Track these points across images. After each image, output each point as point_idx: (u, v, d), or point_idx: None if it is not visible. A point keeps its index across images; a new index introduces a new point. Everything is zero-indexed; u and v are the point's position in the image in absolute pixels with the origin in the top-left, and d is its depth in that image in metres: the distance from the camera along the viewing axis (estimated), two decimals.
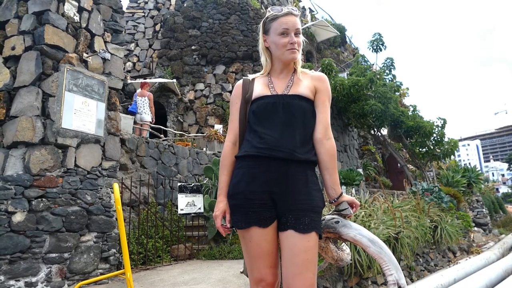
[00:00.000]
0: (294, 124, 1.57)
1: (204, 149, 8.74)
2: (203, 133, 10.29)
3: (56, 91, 4.08)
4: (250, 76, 1.76)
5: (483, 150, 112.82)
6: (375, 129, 13.29)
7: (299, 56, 1.68)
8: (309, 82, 1.67)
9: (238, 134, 1.67)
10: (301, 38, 1.67)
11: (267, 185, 1.51)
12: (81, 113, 4.33)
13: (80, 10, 4.54)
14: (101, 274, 4.18)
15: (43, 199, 3.83)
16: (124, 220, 5.22)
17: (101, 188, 4.43)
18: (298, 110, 1.58)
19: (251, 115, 1.63)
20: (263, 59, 1.74)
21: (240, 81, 1.76)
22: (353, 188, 9.45)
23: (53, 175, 3.96)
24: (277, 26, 1.62)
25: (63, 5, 4.31)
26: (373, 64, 13.39)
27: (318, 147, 1.60)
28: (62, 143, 4.08)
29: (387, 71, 12.47)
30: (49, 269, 3.77)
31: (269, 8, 1.70)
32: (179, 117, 11.91)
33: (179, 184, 5.80)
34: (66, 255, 3.94)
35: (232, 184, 1.59)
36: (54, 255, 3.83)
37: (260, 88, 1.67)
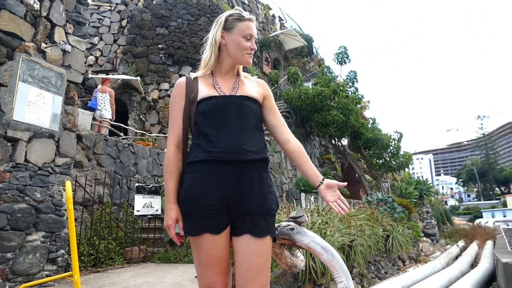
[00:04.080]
0: (247, 125, 1.56)
1: (165, 150, 8.57)
2: (165, 134, 10.10)
3: (9, 80, 3.85)
4: (192, 75, 1.67)
5: (435, 164, 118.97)
6: (336, 139, 13.66)
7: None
8: (255, 86, 1.69)
9: (182, 136, 1.60)
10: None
11: (221, 190, 1.47)
12: (36, 105, 4.11)
13: None
14: (47, 276, 3.96)
15: None
16: (76, 220, 5.01)
17: (52, 186, 4.22)
18: (249, 111, 1.58)
19: (200, 116, 1.55)
20: (209, 54, 1.64)
21: (182, 80, 1.65)
22: (312, 196, 9.63)
23: (0, 169, 3.73)
24: (244, 28, 1.61)
25: None
26: (337, 76, 13.79)
27: (290, 145, 1.67)
28: (12, 136, 3.85)
29: (350, 84, 12.88)
30: None
31: (236, 7, 1.69)
32: (141, 116, 11.64)
33: (137, 184, 5.65)
34: (9, 255, 3.71)
35: (184, 189, 1.52)
36: None
37: (206, 88, 1.60)
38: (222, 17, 1.65)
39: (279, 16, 20.67)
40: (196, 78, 1.64)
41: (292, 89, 12.47)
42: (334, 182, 1.63)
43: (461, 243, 12.05)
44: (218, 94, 1.58)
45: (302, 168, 1.67)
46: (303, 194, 9.69)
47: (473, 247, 11.12)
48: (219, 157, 1.48)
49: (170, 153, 1.59)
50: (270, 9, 19.64)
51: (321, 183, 1.63)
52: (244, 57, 1.63)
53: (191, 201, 1.49)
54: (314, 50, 20.67)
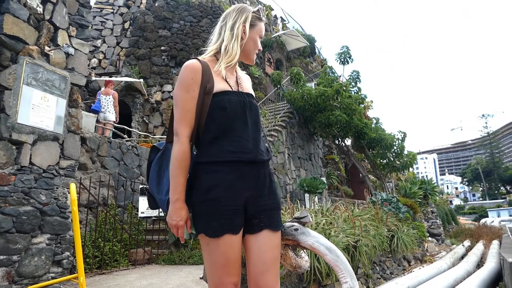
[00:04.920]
0: (258, 125, 1.56)
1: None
2: None
3: (13, 84, 3.87)
4: (205, 60, 1.53)
5: (439, 164, 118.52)
6: (340, 139, 13.62)
7: None
8: (249, 83, 1.69)
9: (193, 128, 1.47)
10: None
11: (244, 190, 1.46)
12: (40, 108, 4.14)
13: (44, 1, 4.35)
14: (53, 278, 3.98)
15: None
16: (81, 222, 5.03)
17: (57, 188, 4.24)
18: (257, 111, 1.58)
19: (220, 112, 1.45)
20: (235, 47, 1.54)
21: (197, 64, 1.48)
22: (316, 196, 9.61)
23: (5, 172, 3.74)
24: (261, 29, 1.64)
25: None
26: (340, 76, 13.75)
27: None
28: (17, 139, 3.88)
29: (353, 83, 12.83)
30: None
31: (259, 6, 1.71)
32: (144, 118, 11.66)
33: (141, 186, 5.67)
34: (15, 257, 3.73)
35: (203, 190, 1.44)
36: (1, 257, 3.61)
37: (219, 80, 1.51)
38: (247, 12, 1.60)
39: (281, 17, 20.68)
40: (209, 65, 1.51)
41: (294, 90, 12.45)
42: None
43: (466, 243, 11.97)
44: (231, 89, 1.52)
45: None
46: (307, 195, 9.66)
47: (479, 246, 11.05)
48: (241, 158, 1.46)
49: (185, 146, 1.45)
50: (272, 9, 19.65)
51: None
52: (254, 56, 1.66)
53: (213, 202, 1.43)
54: (316, 51, 20.65)
